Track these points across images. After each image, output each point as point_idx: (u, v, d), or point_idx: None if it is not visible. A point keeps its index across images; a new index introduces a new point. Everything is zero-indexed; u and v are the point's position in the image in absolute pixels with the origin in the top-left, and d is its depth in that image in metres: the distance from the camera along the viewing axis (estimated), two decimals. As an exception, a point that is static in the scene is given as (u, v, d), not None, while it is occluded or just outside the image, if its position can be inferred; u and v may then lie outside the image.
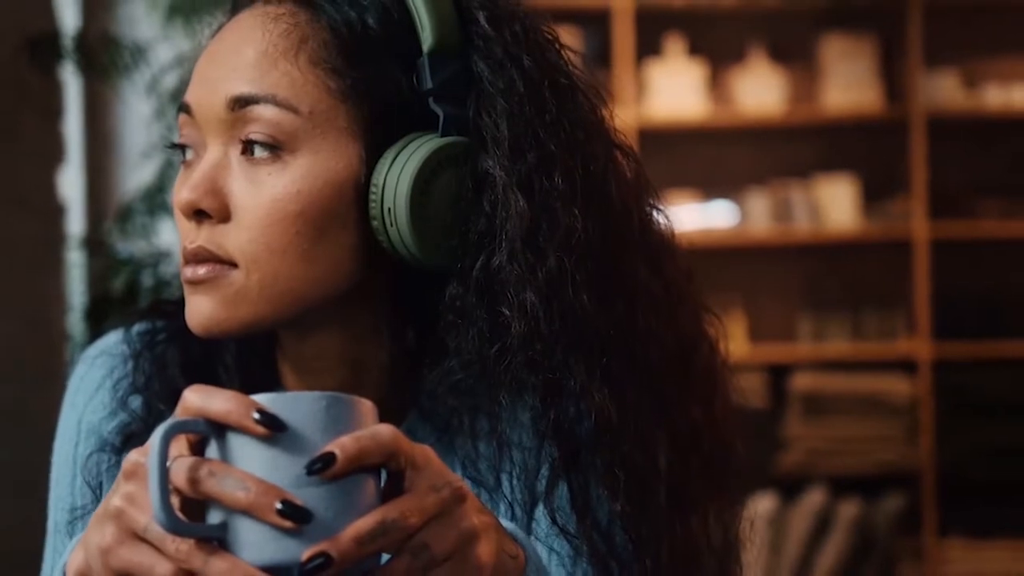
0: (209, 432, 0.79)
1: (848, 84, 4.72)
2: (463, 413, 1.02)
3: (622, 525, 1.00)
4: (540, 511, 1.02)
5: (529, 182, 1.00)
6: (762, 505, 4.26)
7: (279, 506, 0.76)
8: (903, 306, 4.76)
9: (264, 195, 0.97)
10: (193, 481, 0.77)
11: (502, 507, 1.03)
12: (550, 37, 1.07)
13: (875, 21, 4.77)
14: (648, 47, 4.74)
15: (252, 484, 0.76)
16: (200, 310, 0.99)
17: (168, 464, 0.78)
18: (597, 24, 4.61)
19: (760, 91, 4.74)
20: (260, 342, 1.08)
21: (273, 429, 0.77)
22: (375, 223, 0.99)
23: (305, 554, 0.76)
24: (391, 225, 0.98)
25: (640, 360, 1.03)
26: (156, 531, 0.78)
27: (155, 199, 2.76)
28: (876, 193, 4.75)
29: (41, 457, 1.14)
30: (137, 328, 1.12)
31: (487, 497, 1.03)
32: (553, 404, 1.00)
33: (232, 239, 0.98)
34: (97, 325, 2.65)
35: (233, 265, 0.98)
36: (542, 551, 1.01)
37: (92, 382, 1.11)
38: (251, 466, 0.77)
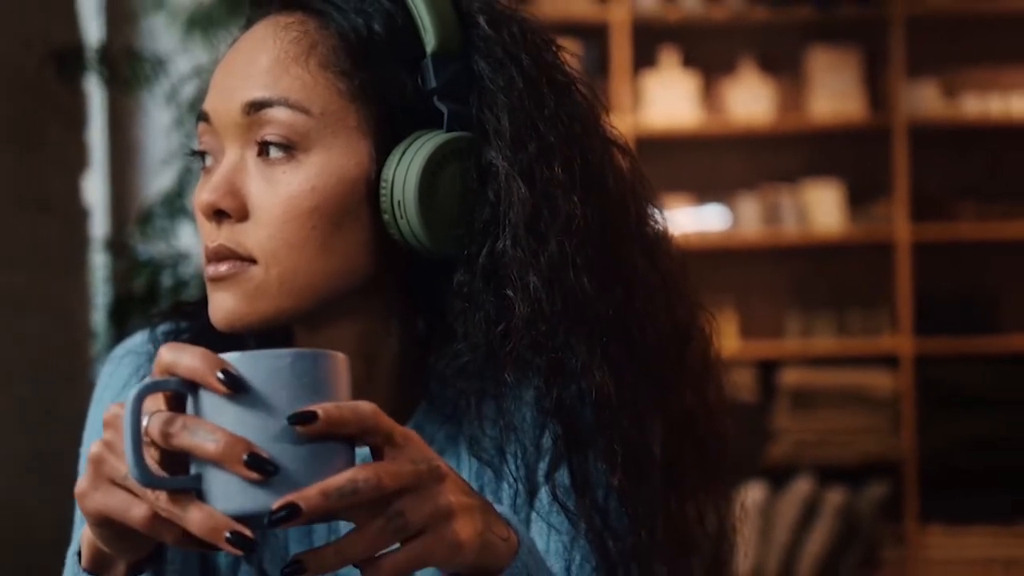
0: (185, 390, 0.79)
1: (833, 94, 4.72)
2: (470, 395, 1.01)
3: (619, 500, 1.00)
4: (543, 488, 1.01)
5: (530, 171, 1.00)
6: (752, 494, 4.25)
7: (246, 458, 0.76)
8: (886, 304, 4.75)
9: (280, 193, 0.97)
10: (167, 435, 0.78)
11: (506, 486, 1.03)
12: (547, 39, 1.07)
13: (859, 34, 4.77)
14: (644, 59, 4.74)
15: (221, 436, 0.77)
16: (223, 305, 0.99)
17: (146, 420, 0.78)
18: (596, 37, 4.61)
19: (750, 101, 4.73)
20: (278, 339, 1.08)
21: (234, 389, 0.77)
22: (386, 216, 0.99)
23: (275, 504, 0.76)
24: (401, 217, 0.98)
25: (638, 343, 1.03)
26: (135, 482, 0.79)
27: (175, 204, 2.76)
28: (860, 197, 4.75)
29: (69, 449, 1.13)
30: (162, 328, 1.11)
31: (492, 477, 1.03)
32: (556, 383, 1.00)
33: (251, 236, 0.98)
34: (120, 323, 2.66)
35: (253, 261, 0.98)
36: (542, 527, 1.01)
37: (119, 380, 1.10)
38: (221, 421, 0.78)
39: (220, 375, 0.77)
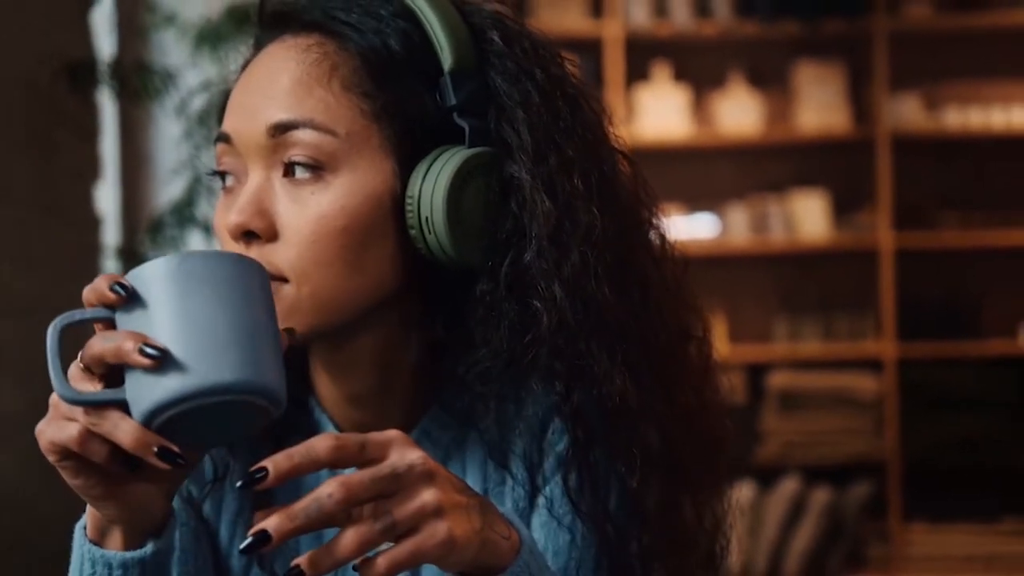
0: (106, 316, 0.82)
1: (819, 107, 4.71)
2: (490, 399, 1.00)
3: (631, 502, 0.99)
4: (554, 489, 1.01)
5: (552, 184, 0.99)
6: (741, 493, 4.24)
7: (142, 348, 0.79)
8: (870, 310, 4.75)
9: (309, 213, 0.96)
10: (85, 349, 0.81)
11: (513, 487, 1.02)
12: (554, 52, 1.06)
13: (844, 49, 4.77)
14: (637, 73, 4.74)
15: (120, 335, 0.80)
16: None
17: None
18: (590, 52, 4.60)
19: (739, 113, 4.73)
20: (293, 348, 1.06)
21: (125, 298, 0.81)
22: (413, 232, 0.98)
23: (252, 531, 0.77)
24: (429, 232, 0.97)
25: (652, 347, 1.03)
26: (67, 407, 0.82)
27: (184, 213, 2.75)
28: (845, 206, 4.75)
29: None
30: None
31: (497, 479, 1.03)
32: (577, 389, 0.99)
33: (281, 256, 0.96)
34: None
35: (284, 280, 0.96)
36: (546, 526, 1.00)
37: None
38: (133, 328, 0.81)
39: (113, 286, 0.81)
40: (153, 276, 0.81)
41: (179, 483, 0.89)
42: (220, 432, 0.85)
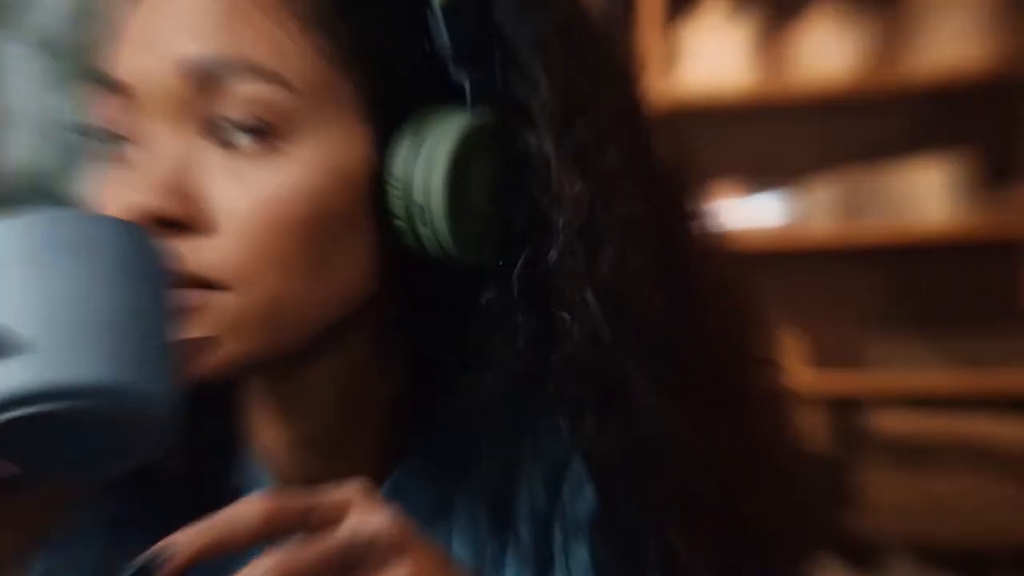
0: None
1: (950, 36, 4.69)
2: (493, 439, 1.03)
3: (673, 563, 1.01)
4: (574, 557, 1.03)
5: (583, 160, 1.01)
6: (831, 580, 4.26)
7: None
8: (1016, 326, 4.73)
9: (256, 195, 0.95)
10: None
11: (527, 559, 1.04)
12: None
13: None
14: (680, 3, 4.77)
15: None
16: None
17: None
18: (618, -31, 4.63)
19: (827, 51, 4.75)
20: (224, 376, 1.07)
21: None
22: (399, 222, 0.99)
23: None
24: (423, 224, 0.98)
25: (703, 371, 1.05)
26: None
27: (40, 184, 2.77)
28: (984, 180, 4.73)
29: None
30: None
31: (497, 548, 1.05)
32: (611, 425, 1.01)
33: (217, 254, 0.95)
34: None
35: (222, 287, 0.96)
36: None
37: None
38: None
39: None
40: (9, 240, 0.81)
41: (41, 534, 0.90)
42: (83, 461, 0.85)
